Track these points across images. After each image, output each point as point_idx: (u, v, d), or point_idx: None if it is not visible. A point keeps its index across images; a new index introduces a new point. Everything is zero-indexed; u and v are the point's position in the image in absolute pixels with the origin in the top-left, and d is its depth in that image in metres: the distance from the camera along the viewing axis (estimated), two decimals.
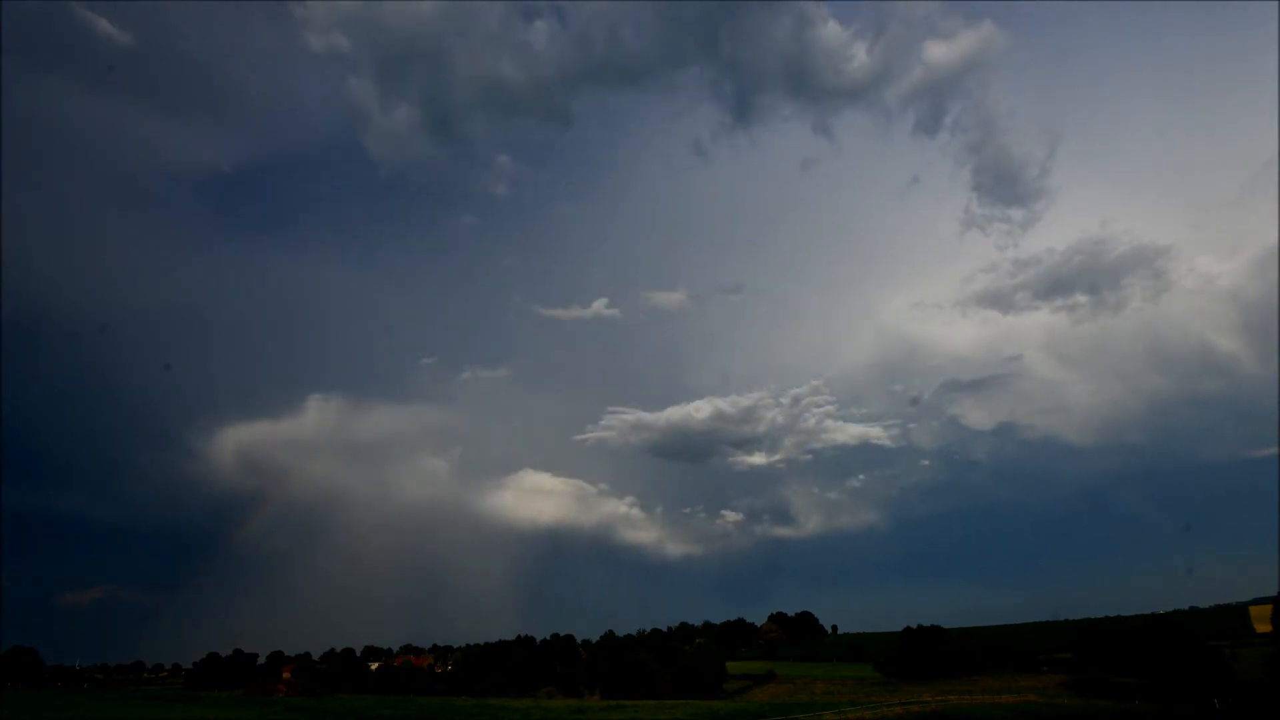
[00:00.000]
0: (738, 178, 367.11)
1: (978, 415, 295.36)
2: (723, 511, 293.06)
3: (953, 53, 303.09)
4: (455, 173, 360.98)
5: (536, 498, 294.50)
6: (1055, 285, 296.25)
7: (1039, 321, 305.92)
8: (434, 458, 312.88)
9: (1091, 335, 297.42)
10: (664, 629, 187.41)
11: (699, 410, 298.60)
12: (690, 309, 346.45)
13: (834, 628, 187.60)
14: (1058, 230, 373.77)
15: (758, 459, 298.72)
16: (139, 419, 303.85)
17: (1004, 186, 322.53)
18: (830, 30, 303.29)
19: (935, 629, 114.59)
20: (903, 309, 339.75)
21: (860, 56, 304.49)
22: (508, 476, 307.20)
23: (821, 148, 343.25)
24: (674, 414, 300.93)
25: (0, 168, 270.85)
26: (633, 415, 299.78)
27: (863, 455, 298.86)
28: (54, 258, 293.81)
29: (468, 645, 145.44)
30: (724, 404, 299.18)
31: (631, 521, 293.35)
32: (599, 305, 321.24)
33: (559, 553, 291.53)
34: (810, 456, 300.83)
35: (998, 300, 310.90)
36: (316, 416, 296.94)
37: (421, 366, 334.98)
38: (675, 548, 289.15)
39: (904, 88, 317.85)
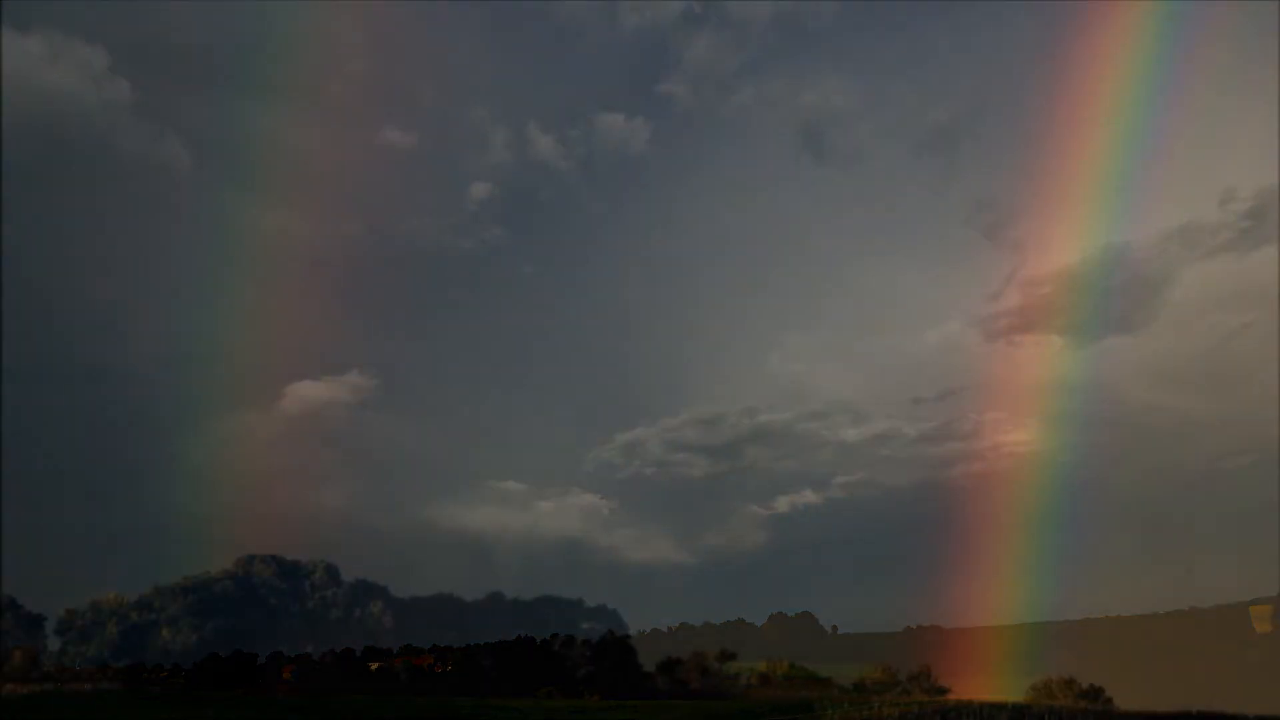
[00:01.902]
0: None
1: (970, 419, 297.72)
2: (713, 514, 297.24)
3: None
4: None
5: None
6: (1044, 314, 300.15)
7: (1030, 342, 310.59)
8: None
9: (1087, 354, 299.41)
10: (664, 629, 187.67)
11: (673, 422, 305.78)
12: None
13: (834, 628, 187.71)
14: (1043, 264, 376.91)
15: (765, 454, 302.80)
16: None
17: (987, 228, 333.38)
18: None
19: (934, 629, 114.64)
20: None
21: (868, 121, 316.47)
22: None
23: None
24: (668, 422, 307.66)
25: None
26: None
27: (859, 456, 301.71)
28: None
29: (468, 645, 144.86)
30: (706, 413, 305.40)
31: (626, 524, 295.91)
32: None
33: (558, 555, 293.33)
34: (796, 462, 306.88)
35: (981, 327, 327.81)
36: None
37: None
38: (671, 550, 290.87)
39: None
